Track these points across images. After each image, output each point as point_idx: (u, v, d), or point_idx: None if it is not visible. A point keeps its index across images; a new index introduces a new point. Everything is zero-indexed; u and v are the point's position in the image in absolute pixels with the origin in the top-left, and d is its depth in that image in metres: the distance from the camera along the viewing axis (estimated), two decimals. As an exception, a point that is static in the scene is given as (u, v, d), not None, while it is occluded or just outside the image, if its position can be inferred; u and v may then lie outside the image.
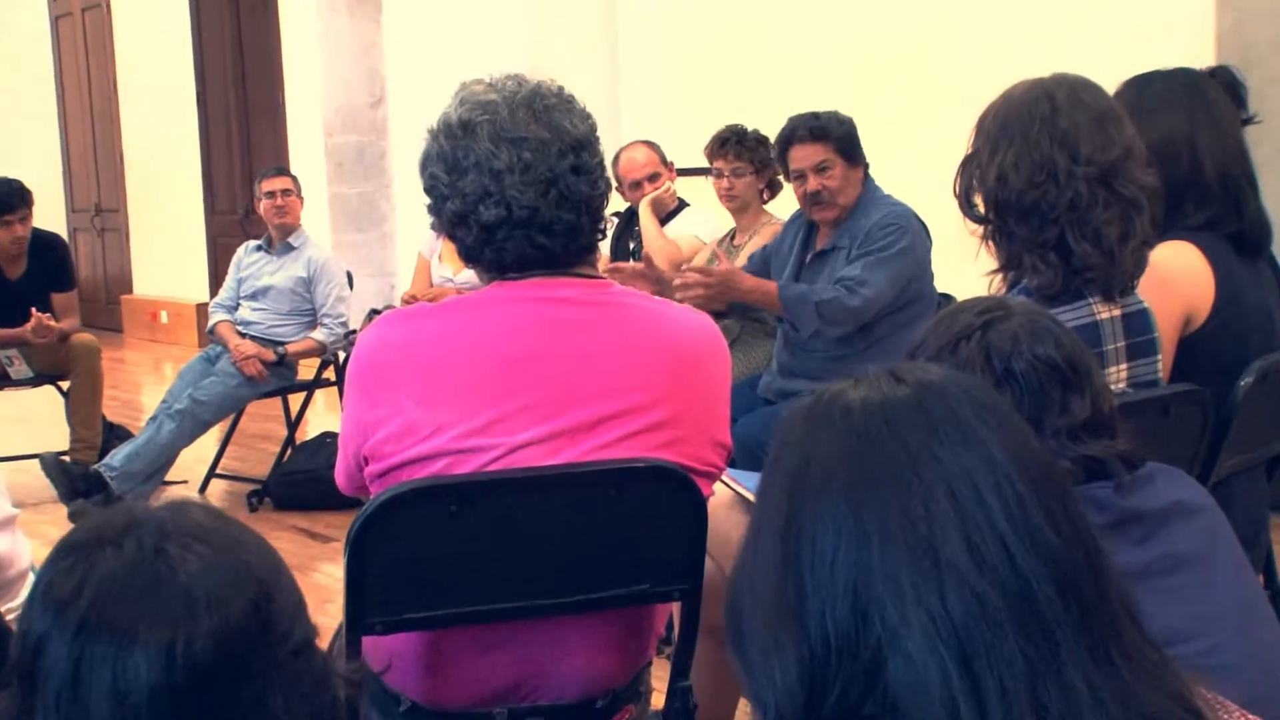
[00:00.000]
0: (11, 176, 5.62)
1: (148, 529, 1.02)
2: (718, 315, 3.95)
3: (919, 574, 0.97)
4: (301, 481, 5.20)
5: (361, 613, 1.79)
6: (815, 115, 3.74)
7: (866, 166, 3.77)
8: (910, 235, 3.63)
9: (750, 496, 2.21)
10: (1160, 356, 2.14)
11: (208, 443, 5.50)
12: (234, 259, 5.78)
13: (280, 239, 5.61)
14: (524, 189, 1.79)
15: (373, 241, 7.94)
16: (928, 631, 0.96)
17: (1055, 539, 1.00)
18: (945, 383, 1.07)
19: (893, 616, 0.97)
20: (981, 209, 2.11)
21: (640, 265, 3.84)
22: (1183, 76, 2.45)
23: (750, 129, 4.35)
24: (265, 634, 1.02)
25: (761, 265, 3.93)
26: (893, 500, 1.00)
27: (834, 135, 3.70)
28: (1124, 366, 2.09)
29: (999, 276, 2.14)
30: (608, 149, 2.03)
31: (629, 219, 5.03)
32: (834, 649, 0.99)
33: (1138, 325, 2.10)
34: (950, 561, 0.97)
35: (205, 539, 1.03)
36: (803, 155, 3.71)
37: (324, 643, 1.11)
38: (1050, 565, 0.99)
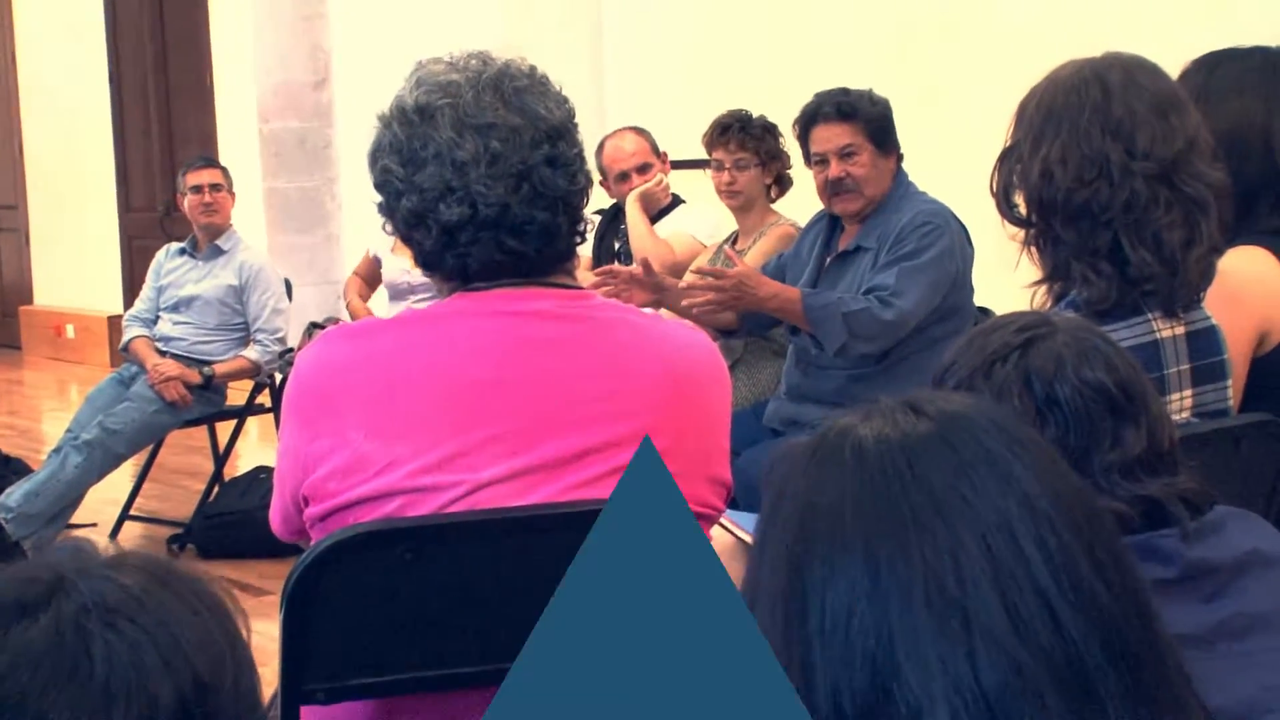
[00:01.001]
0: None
1: (71, 599, 1.00)
2: (725, 335, 3.96)
3: (946, 639, 0.97)
4: (230, 524, 5.19)
5: (300, 678, 1.79)
6: (845, 91, 3.75)
7: (900, 158, 3.78)
8: (949, 237, 3.63)
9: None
10: (1231, 381, 2.15)
11: (121, 479, 5.49)
12: (153, 264, 5.78)
13: (207, 241, 5.62)
14: (492, 184, 1.80)
15: (315, 244, 7.93)
16: (954, 707, 0.96)
17: (1105, 593, 1.00)
18: (971, 413, 1.07)
19: (915, 691, 0.97)
20: (1023, 210, 2.13)
21: (637, 270, 3.83)
22: (1259, 56, 2.47)
23: (756, 115, 4.36)
24: None
25: (776, 276, 3.92)
26: (916, 553, 1.00)
27: (864, 116, 3.70)
28: (1189, 393, 2.10)
29: (1043, 288, 2.15)
30: (590, 137, 2.05)
31: (614, 217, 5.04)
32: None
33: (1205, 345, 2.11)
34: (983, 624, 0.97)
35: (136, 616, 1.01)
36: (826, 136, 3.71)
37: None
38: (1099, 625, 0.99)
